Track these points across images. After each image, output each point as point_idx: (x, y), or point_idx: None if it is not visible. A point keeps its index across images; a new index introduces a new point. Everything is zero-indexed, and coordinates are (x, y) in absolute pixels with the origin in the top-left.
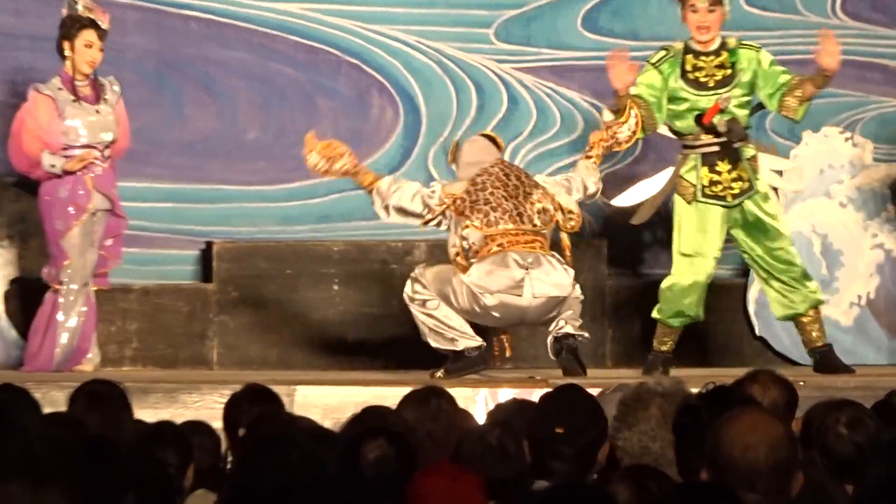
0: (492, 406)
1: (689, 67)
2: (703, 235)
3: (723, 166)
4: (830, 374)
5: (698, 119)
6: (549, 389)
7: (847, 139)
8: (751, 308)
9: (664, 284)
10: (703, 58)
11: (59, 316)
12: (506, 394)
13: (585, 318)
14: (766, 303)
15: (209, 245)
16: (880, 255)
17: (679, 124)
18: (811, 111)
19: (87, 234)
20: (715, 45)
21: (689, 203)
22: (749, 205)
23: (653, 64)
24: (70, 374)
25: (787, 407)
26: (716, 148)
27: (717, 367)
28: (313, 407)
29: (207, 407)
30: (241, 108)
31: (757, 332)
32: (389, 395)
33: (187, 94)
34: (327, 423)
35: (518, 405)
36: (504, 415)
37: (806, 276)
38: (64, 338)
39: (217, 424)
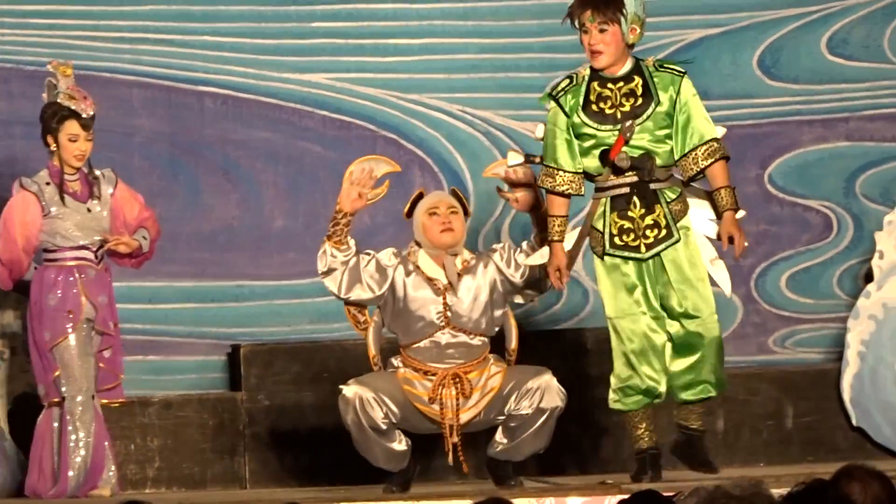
0: None
1: (592, 97)
2: (622, 294)
3: (635, 211)
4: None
5: (604, 156)
6: (624, 496)
7: None
8: (846, 395)
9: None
10: (609, 85)
11: (71, 434)
12: (575, 503)
13: None
14: (861, 388)
15: (236, 349)
16: None
17: (587, 164)
18: None
19: (82, 344)
20: (625, 70)
21: (600, 258)
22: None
23: (551, 96)
24: (86, 501)
25: None
26: (626, 190)
27: (808, 464)
28: None
29: None
30: (266, 193)
31: (854, 422)
32: None
33: (205, 181)
34: None
35: None
36: None
37: None
38: (78, 458)
39: None
